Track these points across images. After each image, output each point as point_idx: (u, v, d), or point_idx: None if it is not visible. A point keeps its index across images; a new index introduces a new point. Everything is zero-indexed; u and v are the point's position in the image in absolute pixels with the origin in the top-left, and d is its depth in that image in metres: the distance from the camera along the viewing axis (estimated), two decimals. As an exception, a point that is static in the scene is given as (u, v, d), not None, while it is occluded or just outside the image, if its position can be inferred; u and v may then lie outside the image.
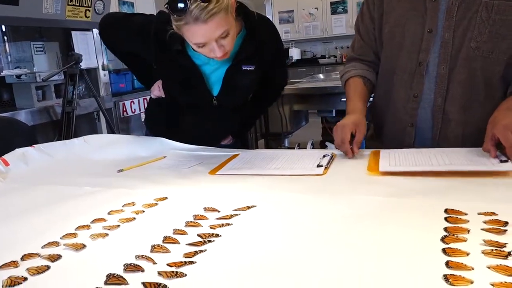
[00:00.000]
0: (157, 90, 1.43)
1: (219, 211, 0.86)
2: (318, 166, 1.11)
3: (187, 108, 1.40)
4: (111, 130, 3.13)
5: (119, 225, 0.82)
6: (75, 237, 0.78)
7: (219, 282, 0.59)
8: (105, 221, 0.85)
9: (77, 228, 0.81)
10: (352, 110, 1.25)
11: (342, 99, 2.64)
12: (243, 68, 1.30)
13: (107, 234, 0.78)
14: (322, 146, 3.20)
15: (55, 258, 0.69)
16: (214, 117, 1.40)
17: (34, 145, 1.38)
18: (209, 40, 1.11)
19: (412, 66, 1.21)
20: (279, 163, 1.18)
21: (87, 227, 0.82)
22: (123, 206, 0.92)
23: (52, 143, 1.47)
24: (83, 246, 0.73)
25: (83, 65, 2.99)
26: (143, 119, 3.00)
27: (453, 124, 1.20)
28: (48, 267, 0.66)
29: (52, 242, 0.75)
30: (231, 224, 0.79)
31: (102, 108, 3.11)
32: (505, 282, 0.53)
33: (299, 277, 0.59)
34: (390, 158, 1.11)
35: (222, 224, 0.79)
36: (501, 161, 0.97)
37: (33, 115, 2.81)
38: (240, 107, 1.42)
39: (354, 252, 0.65)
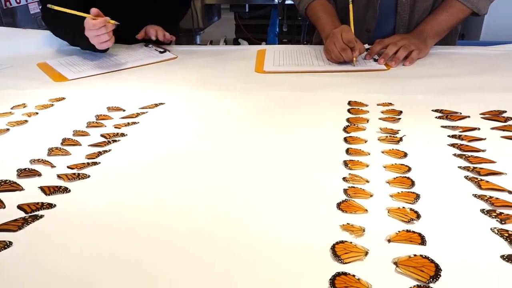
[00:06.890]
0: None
1: (124, 110, 0.81)
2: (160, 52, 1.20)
3: None
4: (-7, 24, 2.69)
5: (8, 129, 0.73)
6: (-46, 144, 0.68)
7: (125, 181, 0.57)
8: (-9, 125, 0.75)
9: (-44, 134, 0.72)
10: (333, 28, 1.09)
11: (256, -7, 2.52)
12: None
13: (-6, 139, 0.70)
14: (236, 43, 3.12)
15: None
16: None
17: None
18: None
19: None
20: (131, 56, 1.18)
21: (-31, 132, 0.72)
22: (12, 108, 0.83)
23: None
24: (-34, 153, 0.65)
25: None
26: (32, 12, 2.60)
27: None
28: None
29: None
30: (138, 122, 0.75)
31: (-22, -3, 2.61)
32: (395, 164, 0.59)
33: (208, 173, 0.59)
34: (274, 58, 1.11)
35: (128, 123, 0.75)
36: (374, 60, 1.07)
37: None
38: None
39: (263, 142, 0.66)
